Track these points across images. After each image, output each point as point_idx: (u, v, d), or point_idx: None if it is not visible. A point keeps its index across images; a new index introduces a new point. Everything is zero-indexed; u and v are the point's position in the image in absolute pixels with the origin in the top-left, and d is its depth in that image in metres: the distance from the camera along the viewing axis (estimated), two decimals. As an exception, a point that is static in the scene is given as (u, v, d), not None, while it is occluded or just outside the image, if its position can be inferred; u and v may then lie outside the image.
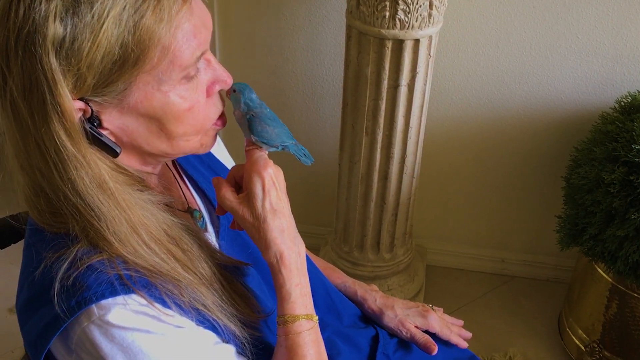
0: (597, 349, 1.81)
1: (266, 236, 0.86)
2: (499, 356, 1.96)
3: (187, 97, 0.78)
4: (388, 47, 1.57)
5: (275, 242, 0.86)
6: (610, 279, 1.73)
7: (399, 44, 1.57)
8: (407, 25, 1.53)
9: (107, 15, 0.70)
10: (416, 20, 1.52)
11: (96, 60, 0.71)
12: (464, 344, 1.20)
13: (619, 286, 1.71)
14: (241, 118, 0.91)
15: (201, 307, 0.82)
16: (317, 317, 0.92)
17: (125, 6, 0.70)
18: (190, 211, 0.95)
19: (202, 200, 1.00)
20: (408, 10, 1.50)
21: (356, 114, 1.72)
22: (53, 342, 0.76)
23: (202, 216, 0.97)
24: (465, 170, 2.11)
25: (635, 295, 1.68)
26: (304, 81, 2.02)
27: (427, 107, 1.74)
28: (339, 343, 1.08)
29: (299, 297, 0.89)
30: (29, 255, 0.81)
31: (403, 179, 1.82)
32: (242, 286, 0.91)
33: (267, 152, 0.92)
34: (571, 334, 1.93)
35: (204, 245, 0.88)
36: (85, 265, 0.75)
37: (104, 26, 0.70)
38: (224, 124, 0.87)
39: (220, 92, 0.85)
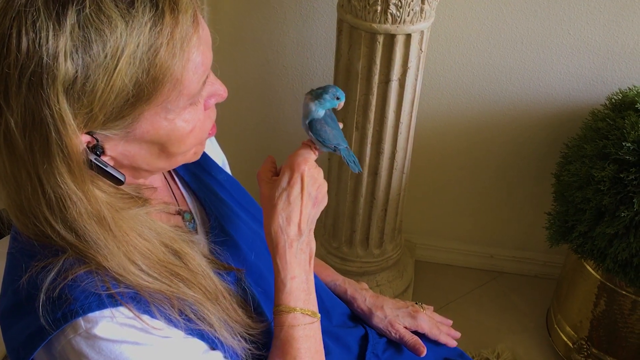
0: (585, 346, 1.81)
1: (270, 221, 0.90)
2: (487, 352, 1.96)
3: (191, 119, 0.78)
4: (379, 42, 1.56)
5: (275, 230, 0.90)
6: (599, 276, 1.73)
7: (390, 38, 1.55)
8: (398, 19, 1.51)
9: (122, 54, 0.66)
10: (408, 15, 1.51)
11: (110, 100, 0.68)
12: (453, 343, 1.20)
13: (608, 283, 1.71)
14: (307, 115, 0.92)
15: (207, 327, 0.81)
16: (319, 316, 0.92)
17: (139, 43, 0.67)
18: (181, 213, 0.94)
19: (193, 201, 0.99)
20: (400, 4, 1.48)
21: (346, 108, 1.70)
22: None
23: (193, 218, 0.96)
24: (456, 166, 2.10)
25: (624, 292, 1.68)
26: (294, 75, 2.00)
27: (418, 102, 1.74)
28: (329, 343, 1.07)
29: (295, 290, 0.90)
30: (13, 260, 0.79)
31: (393, 174, 1.81)
32: (240, 295, 0.91)
33: (318, 152, 0.94)
34: (559, 331, 1.93)
35: (203, 254, 0.87)
36: (72, 277, 0.73)
37: (119, 66, 0.67)
38: (214, 131, 0.86)
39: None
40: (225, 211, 1.00)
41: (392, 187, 1.83)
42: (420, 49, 1.61)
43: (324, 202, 0.95)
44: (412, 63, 1.61)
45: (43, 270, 0.74)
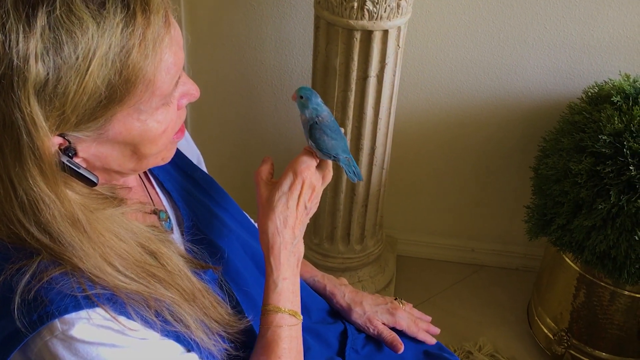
0: (565, 338, 1.83)
1: (267, 222, 0.92)
2: (469, 346, 1.97)
3: (163, 120, 0.77)
4: (357, 38, 1.56)
5: (272, 231, 0.92)
6: (578, 269, 1.74)
7: (367, 34, 1.55)
8: (375, 15, 1.51)
9: (94, 56, 0.66)
10: (385, 11, 1.51)
11: (82, 102, 0.68)
12: (431, 341, 1.20)
13: (587, 275, 1.72)
14: (305, 122, 0.96)
15: (183, 329, 0.80)
16: (301, 317, 0.95)
17: (111, 45, 0.67)
18: (156, 212, 0.93)
19: (168, 200, 0.99)
20: (376, 0, 1.48)
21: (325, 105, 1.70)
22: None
23: (169, 217, 0.95)
24: (435, 160, 2.11)
25: (602, 284, 1.70)
26: (272, 72, 2.00)
27: (396, 98, 1.74)
28: (308, 339, 1.07)
29: (285, 291, 0.92)
30: None
31: (373, 170, 1.81)
32: (218, 293, 0.91)
33: (317, 159, 0.97)
34: (540, 323, 1.94)
35: (180, 253, 0.87)
36: (47, 279, 0.73)
37: (91, 68, 0.66)
38: (182, 134, 0.86)
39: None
40: (200, 210, 1.00)
41: (372, 182, 1.84)
42: (398, 45, 1.61)
43: (315, 209, 0.98)
44: (389, 59, 1.61)
45: (17, 272, 0.73)
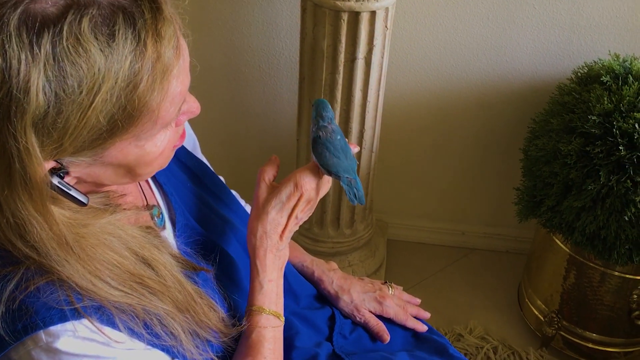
0: (555, 319, 1.83)
1: (257, 225, 0.94)
2: (459, 329, 1.97)
3: (161, 143, 0.75)
4: (344, 20, 1.54)
5: (261, 235, 0.94)
6: (568, 250, 1.74)
7: (354, 16, 1.54)
8: (362, -4, 1.50)
9: (99, 91, 0.63)
10: (372, -8, 1.49)
11: (81, 135, 0.65)
12: (421, 328, 1.19)
13: (577, 257, 1.72)
14: (312, 135, 0.97)
15: (173, 342, 0.79)
16: (284, 319, 0.96)
17: (117, 79, 0.63)
18: (149, 208, 0.92)
19: (161, 194, 0.97)
20: (363, -19, 1.47)
21: (313, 88, 1.69)
22: None
23: (161, 213, 0.94)
24: (424, 144, 2.10)
25: (592, 265, 1.70)
26: (260, 55, 1.98)
27: (384, 80, 1.72)
28: (297, 324, 1.07)
29: (270, 293, 0.94)
30: None
31: (362, 153, 1.80)
32: (210, 295, 0.89)
33: (322, 175, 0.98)
34: (530, 305, 1.94)
35: (172, 254, 0.85)
36: (33, 288, 0.71)
37: (94, 103, 0.63)
38: (183, 140, 0.85)
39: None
40: (193, 201, 0.99)
41: (362, 166, 1.83)
42: (386, 26, 1.60)
43: (305, 219, 0.99)
44: (377, 41, 1.59)
45: (2, 279, 0.71)
